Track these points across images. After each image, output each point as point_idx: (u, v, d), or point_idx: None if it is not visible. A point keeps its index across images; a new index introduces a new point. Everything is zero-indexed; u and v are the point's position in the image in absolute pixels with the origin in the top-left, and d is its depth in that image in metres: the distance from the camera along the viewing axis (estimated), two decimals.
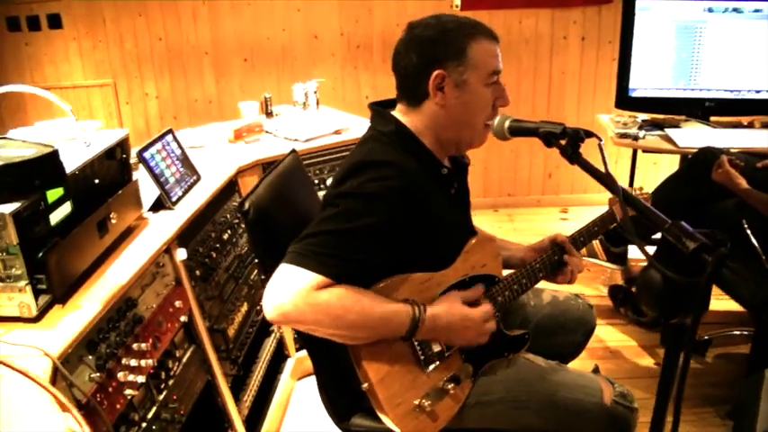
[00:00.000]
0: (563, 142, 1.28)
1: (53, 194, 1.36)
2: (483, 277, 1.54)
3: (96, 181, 1.57)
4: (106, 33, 3.82)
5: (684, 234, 0.93)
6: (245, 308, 2.24)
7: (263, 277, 2.39)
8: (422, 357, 1.41)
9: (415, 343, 1.40)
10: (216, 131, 2.55)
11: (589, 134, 1.27)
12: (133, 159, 1.81)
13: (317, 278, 1.24)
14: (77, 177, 1.47)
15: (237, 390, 2.11)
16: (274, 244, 1.51)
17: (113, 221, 1.59)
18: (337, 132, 2.68)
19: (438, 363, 1.43)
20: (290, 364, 2.61)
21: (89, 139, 1.62)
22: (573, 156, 1.23)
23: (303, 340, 1.63)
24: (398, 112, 1.48)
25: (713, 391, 2.49)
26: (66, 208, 1.40)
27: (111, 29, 3.82)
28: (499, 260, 1.60)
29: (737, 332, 2.81)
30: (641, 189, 2.01)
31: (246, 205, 1.49)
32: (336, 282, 1.26)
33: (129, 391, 1.45)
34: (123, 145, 1.71)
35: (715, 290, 3.28)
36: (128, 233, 1.72)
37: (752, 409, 1.21)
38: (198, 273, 1.92)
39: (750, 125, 3.10)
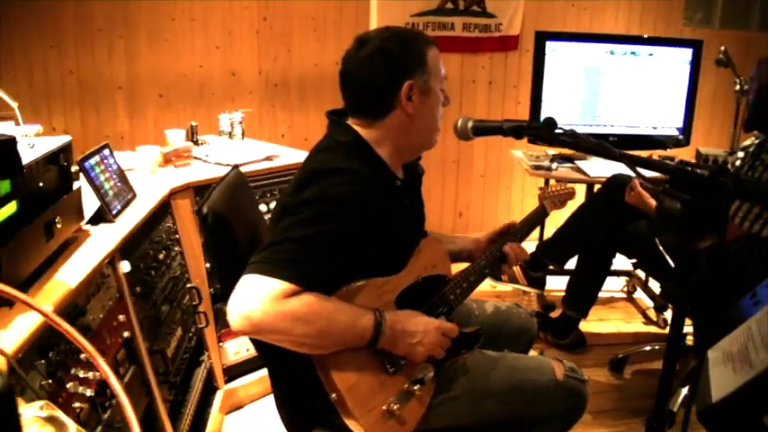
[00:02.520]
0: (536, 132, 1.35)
1: None
2: (434, 277, 1.59)
3: (41, 184, 1.49)
4: (14, 63, 3.64)
5: (695, 167, 1.02)
6: (179, 332, 2.16)
7: (194, 303, 2.32)
8: (385, 361, 1.42)
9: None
10: (143, 155, 2.48)
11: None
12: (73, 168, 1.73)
13: (286, 285, 1.24)
14: (24, 177, 1.40)
15: (174, 417, 2.00)
16: (230, 250, 1.51)
17: (59, 226, 1.51)
18: (269, 159, 2.68)
19: (401, 365, 1.44)
20: (218, 397, 2.51)
21: (32, 141, 1.54)
22: (553, 137, 1.30)
23: (263, 355, 1.60)
24: (354, 125, 1.51)
25: (638, 403, 2.64)
26: (11, 207, 1.33)
27: (20, 59, 3.65)
28: (448, 259, 1.66)
29: (648, 348, 2.98)
30: (564, 184, 2.13)
31: (205, 210, 1.46)
32: (305, 288, 1.26)
33: (77, 404, 1.36)
34: (66, 151, 1.64)
35: (627, 312, 3.49)
36: (71, 241, 1.64)
37: (705, 386, 1.31)
38: (138, 289, 1.84)
39: (649, 158, 3.38)
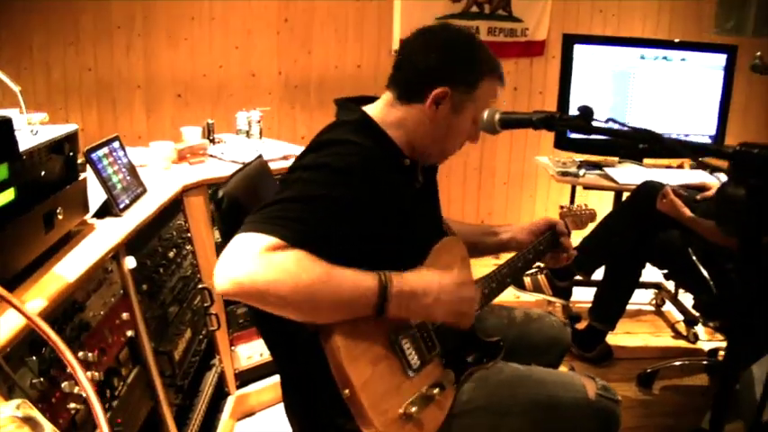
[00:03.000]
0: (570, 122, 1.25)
1: None
2: None
3: (42, 173, 1.42)
4: (32, 60, 3.61)
5: (762, 148, 0.90)
6: (188, 334, 2.07)
7: (205, 304, 2.23)
8: (404, 359, 1.31)
9: (395, 341, 1.29)
10: (156, 151, 2.41)
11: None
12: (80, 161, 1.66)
13: (272, 240, 1.12)
14: (24, 163, 1.32)
15: (181, 422, 1.91)
16: None
17: (60, 217, 1.43)
18: (285, 158, 2.60)
19: (420, 366, 1.33)
20: (230, 403, 2.42)
21: (36, 129, 1.47)
22: (590, 126, 1.20)
23: (272, 347, 1.50)
24: (381, 102, 1.43)
25: (665, 421, 2.50)
26: (8, 194, 1.25)
27: (38, 56, 3.62)
28: (467, 262, 1.55)
29: (678, 363, 2.84)
30: (586, 205, 2.03)
31: (220, 194, 1.38)
32: (292, 245, 1.13)
33: (73, 405, 1.27)
34: (72, 140, 1.57)
35: (655, 325, 3.35)
36: (74, 234, 1.56)
37: (753, 402, 1.19)
38: (145, 287, 1.75)
39: (680, 167, 3.25)
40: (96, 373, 1.37)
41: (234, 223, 1.40)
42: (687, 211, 2.42)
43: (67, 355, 0.81)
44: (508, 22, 4.06)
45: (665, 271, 2.74)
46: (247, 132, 2.93)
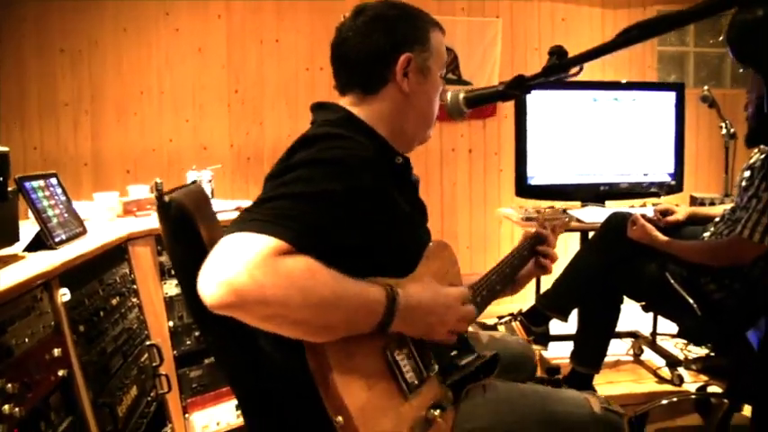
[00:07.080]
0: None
1: None
2: None
3: None
4: None
5: None
6: (134, 391, 1.85)
7: (154, 364, 2.03)
8: (402, 379, 1.14)
9: (392, 360, 1.13)
10: (101, 202, 2.26)
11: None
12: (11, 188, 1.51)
13: (278, 242, 0.95)
14: None
15: None
16: (195, 247, 1.20)
17: None
18: (238, 209, 2.47)
19: (418, 386, 1.17)
20: None
21: None
22: (566, 62, 1.12)
23: (235, 385, 1.29)
24: (347, 104, 1.32)
25: None
26: None
27: None
28: (458, 268, 1.40)
29: (665, 401, 2.70)
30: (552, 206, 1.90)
31: (167, 199, 1.21)
32: (298, 249, 0.98)
33: None
34: (2, 162, 1.43)
35: (636, 373, 3.21)
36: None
37: None
38: (82, 328, 1.57)
39: (643, 206, 3.22)
40: (17, 408, 1.17)
41: (182, 231, 1.24)
42: (660, 235, 2.35)
43: None
44: (458, 85, 4.12)
45: (643, 303, 2.63)
46: None
